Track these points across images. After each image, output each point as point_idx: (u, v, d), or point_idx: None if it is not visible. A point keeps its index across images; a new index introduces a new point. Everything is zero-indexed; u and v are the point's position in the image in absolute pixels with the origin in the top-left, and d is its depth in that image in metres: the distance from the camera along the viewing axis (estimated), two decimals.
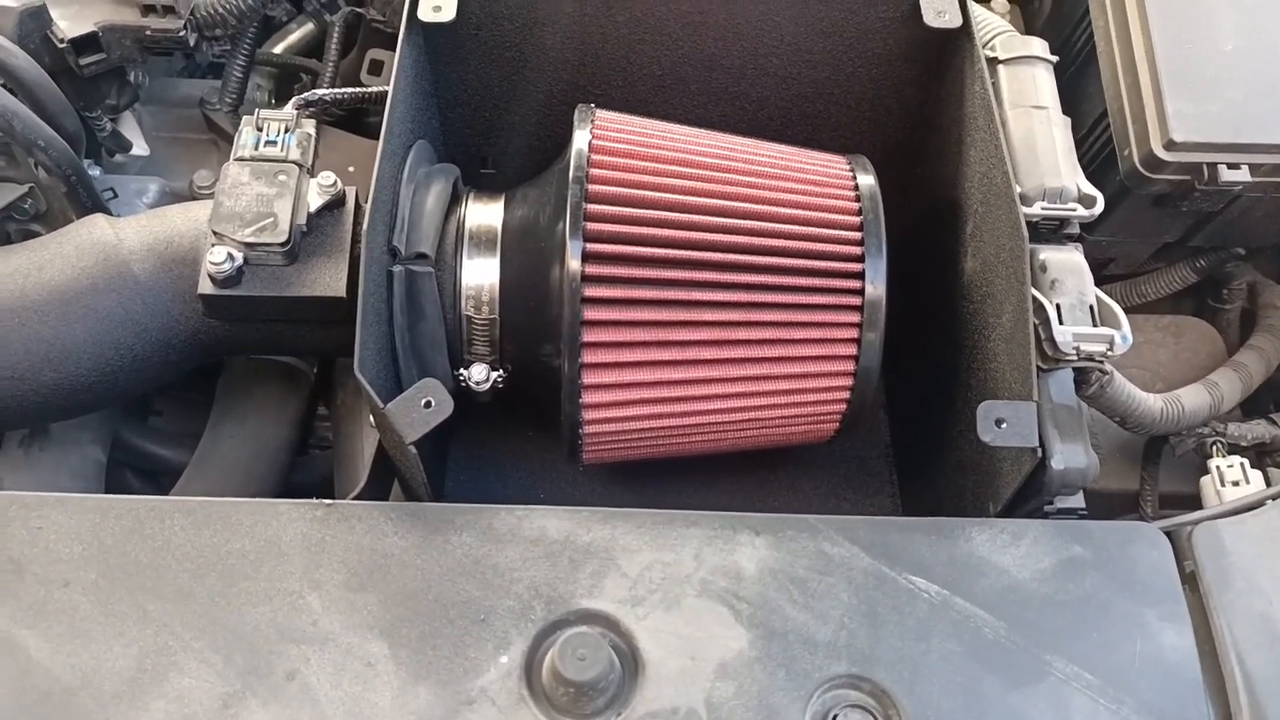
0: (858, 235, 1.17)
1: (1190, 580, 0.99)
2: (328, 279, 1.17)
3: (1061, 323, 1.09)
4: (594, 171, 1.14)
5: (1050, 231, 1.19)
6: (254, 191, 1.17)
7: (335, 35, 1.72)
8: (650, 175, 1.16)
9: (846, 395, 1.20)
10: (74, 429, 1.30)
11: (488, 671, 0.90)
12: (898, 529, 1.01)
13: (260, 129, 1.22)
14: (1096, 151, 1.39)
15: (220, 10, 1.41)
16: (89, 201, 1.34)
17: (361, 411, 1.30)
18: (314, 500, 0.99)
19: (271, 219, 1.15)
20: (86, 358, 1.17)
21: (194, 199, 1.45)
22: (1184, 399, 1.35)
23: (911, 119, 1.41)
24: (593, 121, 1.19)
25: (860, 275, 1.15)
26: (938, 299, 1.30)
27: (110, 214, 1.29)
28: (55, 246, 1.20)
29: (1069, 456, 1.05)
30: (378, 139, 1.12)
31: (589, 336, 1.12)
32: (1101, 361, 1.10)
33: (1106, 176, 1.34)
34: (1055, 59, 1.30)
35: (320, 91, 1.41)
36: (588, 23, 1.32)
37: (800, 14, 1.31)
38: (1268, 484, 1.27)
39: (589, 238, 1.11)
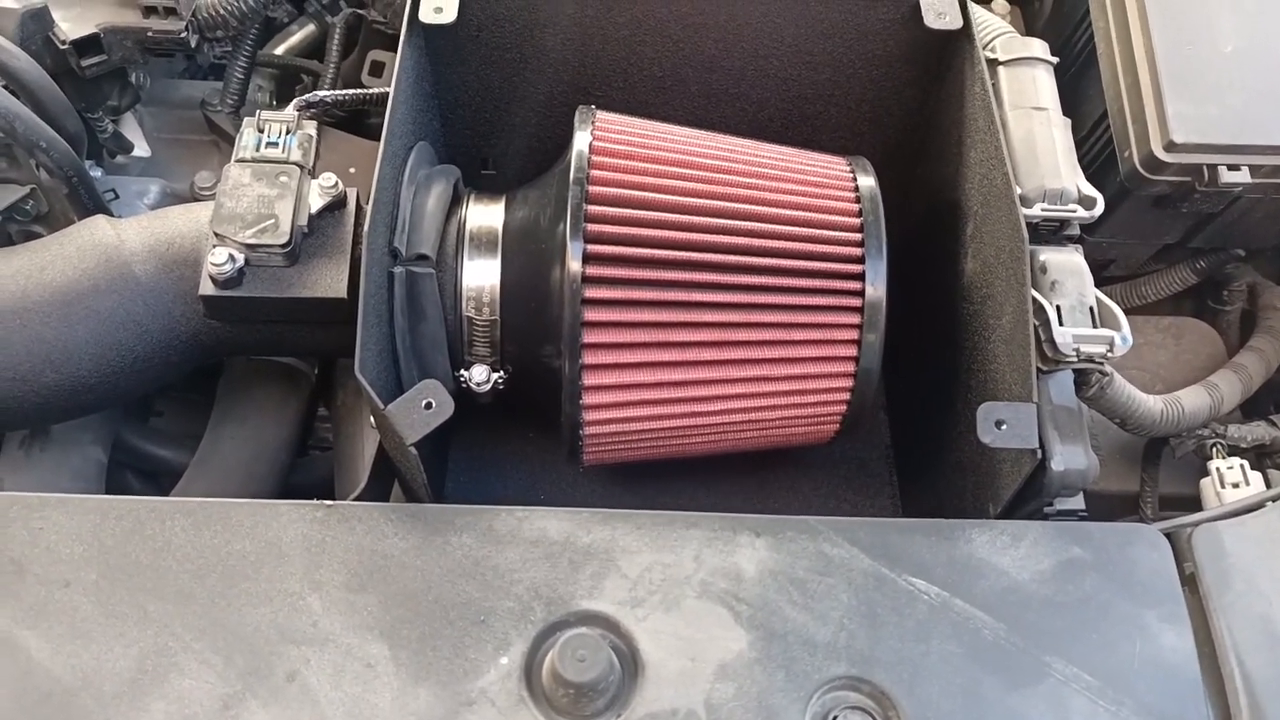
0: (858, 236, 1.17)
1: (1190, 582, 0.99)
2: (329, 280, 1.17)
3: (1061, 324, 1.09)
4: (594, 173, 1.14)
5: (1050, 233, 1.19)
6: (255, 193, 1.17)
7: (336, 37, 1.72)
8: (651, 177, 1.16)
9: (846, 396, 1.20)
10: (75, 430, 1.30)
11: (488, 673, 0.90)
12: (897, 530, 1.01)
13: (261, 130, 1.22)
14: (1097, 153, 1.39)
15: (222, 12, 1.41)
16: (90, 203, 1.34)
17: (362, 412, 1.30)
18: (314, 501, 0.99)
19: (273, 220, 1.15)
20: (88, 359, 1.17)
21: (195, 200, 1.45)
22: (1184, 400, 1.35)
23: (912, 120, 1.41)
24: (593, 123, 1.19)
25: (860, 276, 1.15)
26: (938, 300, 1.31)
27: (112, 215, 1.29)
28: (57, 248, 1.20)
29: (1069, 458, 1.05)
30: (379, 140, 1.12)
31: (589, 338, 1.12)
32: (1101, 363, 1.11)
33: (1107, 178, 1.34)
34: (1055, 60, 1.31)
35: (321, 93, 1.41)
36: (588, 24, 1.32)
37: (801, 16, 1.31)
38: (1268, 486, 1.27)
39: (589, 239, 1.11)
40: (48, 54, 1.34)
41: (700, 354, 1.16)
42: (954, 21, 1.27)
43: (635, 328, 1.13)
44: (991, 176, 1.18)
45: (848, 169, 1.24)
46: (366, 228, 1.08)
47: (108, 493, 1.33)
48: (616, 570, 0.95)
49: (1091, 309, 1.11)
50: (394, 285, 1.17)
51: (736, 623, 0.94)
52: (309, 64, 1.74)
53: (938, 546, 0.98)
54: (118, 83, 1.47)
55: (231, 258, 1.14)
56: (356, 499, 1.18)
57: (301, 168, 1.19)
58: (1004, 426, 1.01)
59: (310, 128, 1.24)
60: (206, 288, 1.15)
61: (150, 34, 1.38)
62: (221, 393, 1.38)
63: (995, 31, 1.35)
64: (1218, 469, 1.29)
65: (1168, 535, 1.01)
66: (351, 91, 1.45)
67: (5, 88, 1.25)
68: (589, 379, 1.14)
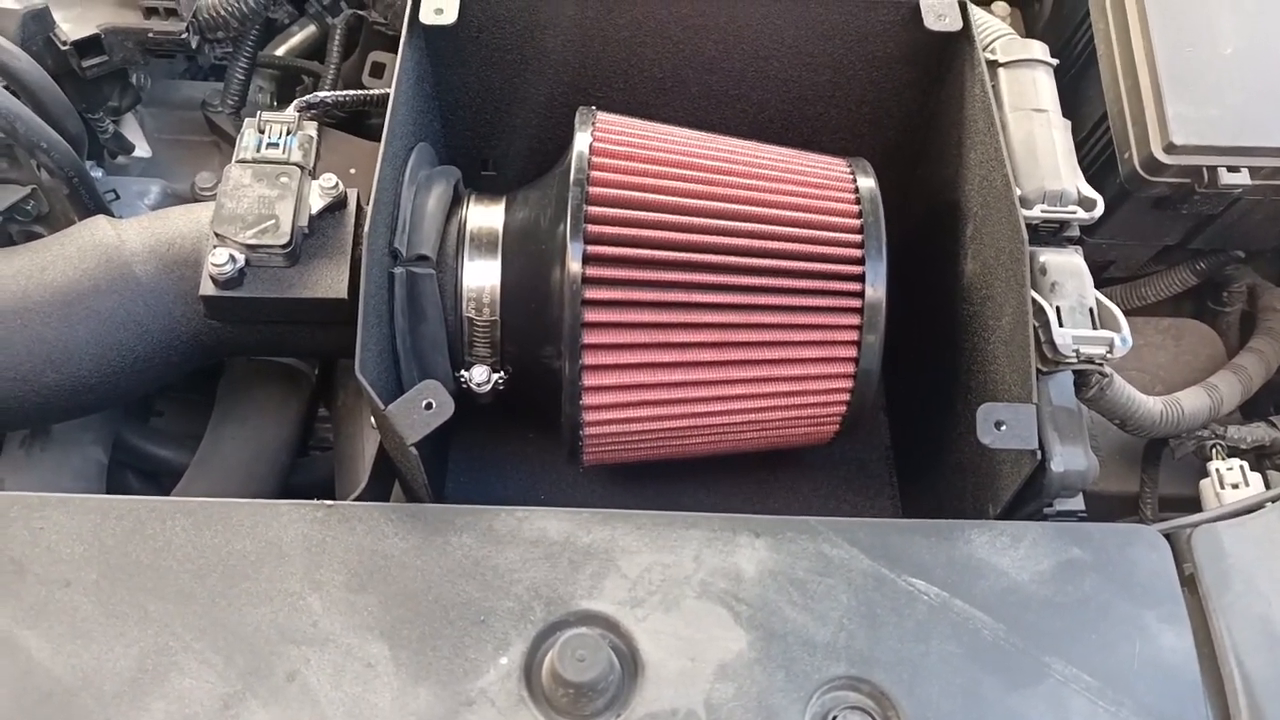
0: (858, 238, 1.17)
1: (1189, 582, 0.99)
2: (329, 281, 1.17)
3: (1061, 325, 1.09)
4: (595, 174, 1.14)
5: (1050, 234, 1.19)
6: (256, 193, 1.17)
7: (337, 38, 1.72)
8: (651, 178, 1.16)
9: (846, 397, 1.21)
10: (75, 430, 1.30)
11: (487, 672, 0.90)
12: (897, 531, 1.01)
13: (262, 131, 1.22)
14: (1097, 154, 1.39)
15: (222, 13, 1.41)
16: (91, 203, 1.34)
17: (362, 413, 1.30)
18: (315, 501, 0.99)
19: (273, 221, 1.15)
20: (88, 359, 1.17)
21: (196, 201, 1.45)
22: (1184, 402, 1.35)
23: (912, 122, 1.41)
24: (594, 124, 1.20)
25: (860, 278, 1.16)
26: (938, 301, 1.31)
27: (112, 215, 1.29)
28: (57, 248, 1.20)
29: (1068, 459, 1.05)
30: (379, 141, 1.12)
31: (589, 338, 1.12)
32: (1101, 364, 1.11)
33: (1106, 179, 1.34)
34: (1055, 62, 1.31)
35: (322, 94, 1.41)
36: (589, 26, 1.32)
37: (801, 17, 1.31)
38: (1267, 487, 1.27)
39: (590, 240, 1.11)
40: (49, 55, 1.34)
41: (700, 355, 1.16)
42: (954, 23, 1.27)
43: (635, 328, 1.14)
44: (991, 178, 1.18)
45: (848, 170, 1.24)
46: (367, 228, 1.08)
47: (108, 493, 1.33)
48: (616, 570, 0.96)
49: (1091, 310, 1.11)
50: (394, 286, 1.17)
51: (736, 623, 0.94)
52: (310, 65, 1.74)
53: (937, 547, 0.99)
54: (118, 83, 1.47)
55: (232, 258, 1.14)
56: (357, 499, 1.18)
57: (302, 168, 1.19)
58: (1004, 427, 1.01)
59: (311, 129, 1.24)
60: (207, 288, 1.15)
61: (151, 35, 1.38)
62: (222, 393, 1.38)
63: (995, 33, 1.36)
64: (1217, 470, 1.29)
65: (1167, 536, 1.01)
66: (352, 93, 1.45)
67: (6, 88, 1.26)
68: (589, 379, 1.14)
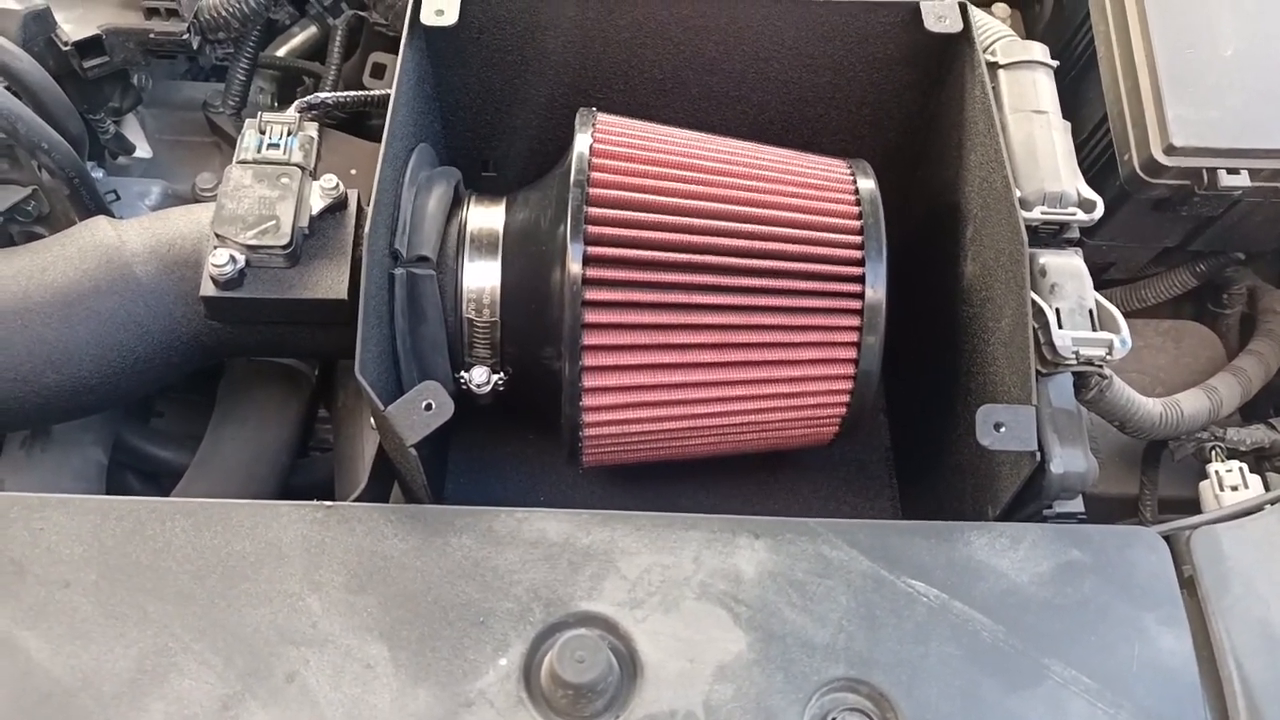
0: (858, 239, 1.17)
1: (1189, 585, 1.00)
2: (329, 281, 1.17)
3: (1061, 327, 1.09)
4: (595, 175, 1.14)
5: (1050, 236, 1.19)
6: (256, 194, 1.17)
7: (338, 39, 1.73)
8: (651, 179, 1.16)
9: (846, 399, 1.21)
10: (75, 430, 1.30)
11: (486, 674, 0.91)
12: (897, 532, 1.01)
13: (263, 132, 1.22)
14: (1097, 156, 1.39)
15: (223, 13, 1.42)
16: (92, 204, 1.34)
17: (362, 414, 1.30)
18: (314, 502, 0.99)
19: (273, 221, 1.15)
20: (89, 359, 1.17)
21: (196, 201, 1.45)
22: (1183, 404, 1.35)
23: (912, 123, 1.41)
24: (594, 125, 1.20)
25: (860, 279, 1.16)
26: (937, 303, 1.31)
27: (113, 216, 1.29)
28: (58, 249, 1.20)
29: (1068, 461, 1.05)
30: (380, 142, 1.12)
31: (589, 339, 1.12)
32: (1101, 366, 1.11)
33: (1106, 181, 1.34)
34: (1055, 64, 1.31)
35: (323, 95, 1.41)
36: (589, 27, 1.32)
37: (801, 19, 1.31)
38: (1266, 489, 1.27)
39: (590, 241, 1.11)
40: (50, 55, 1.34)
41: (700, 356, 1.16)
42: (954, 25, 1.27)
43: (635, 330, 1.14)
44: (991, 179, 1.18)
45: (848, 172, 1.24)
46: (367, 229, 1.08)
47: (108, 493, 1.33)
48: (616, 571, 0.96)
49: (1091, 312, 1.11)
50: (394, 287, 1.17)
51: (735, 624, 0.94)
52: (310, 66, 1.74)
53: (937, 549, 0.99)
54: (119, 84, 1.47)
55: (232, 259, 1.14)
56: (356, 500, 1.18)
57: (303, 169, 1.20)
58: (1003, 429, 1.01)
59: (311, 129, 1.24)
60: (207, 289, 1.15)
61: (152, 35, 1.38)
62: (222, 394, 1.38)
63: (995, 35, 1.35)
64: (1216, 472, 1.29)
65: (1166, 538, 1.01)
66: (353, 93, 1.45)
67: (8, 89, 1.26)
68: (589, 381, 1.14)
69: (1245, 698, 0.93)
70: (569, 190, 1.12)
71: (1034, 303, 1.08)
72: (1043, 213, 1.17)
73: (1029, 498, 1.08)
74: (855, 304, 1.16)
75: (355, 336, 1.02)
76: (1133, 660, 0.94)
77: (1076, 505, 1.10)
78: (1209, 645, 0.96)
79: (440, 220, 1.21)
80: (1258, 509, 1.07)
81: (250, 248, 1.15)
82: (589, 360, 1.13)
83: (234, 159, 1.20)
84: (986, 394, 1.16)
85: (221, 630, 0.92)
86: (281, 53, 1.76)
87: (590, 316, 1.11)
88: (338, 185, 1.20)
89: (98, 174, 1.46)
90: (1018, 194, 1.14)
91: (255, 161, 1.19)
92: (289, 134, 1.22)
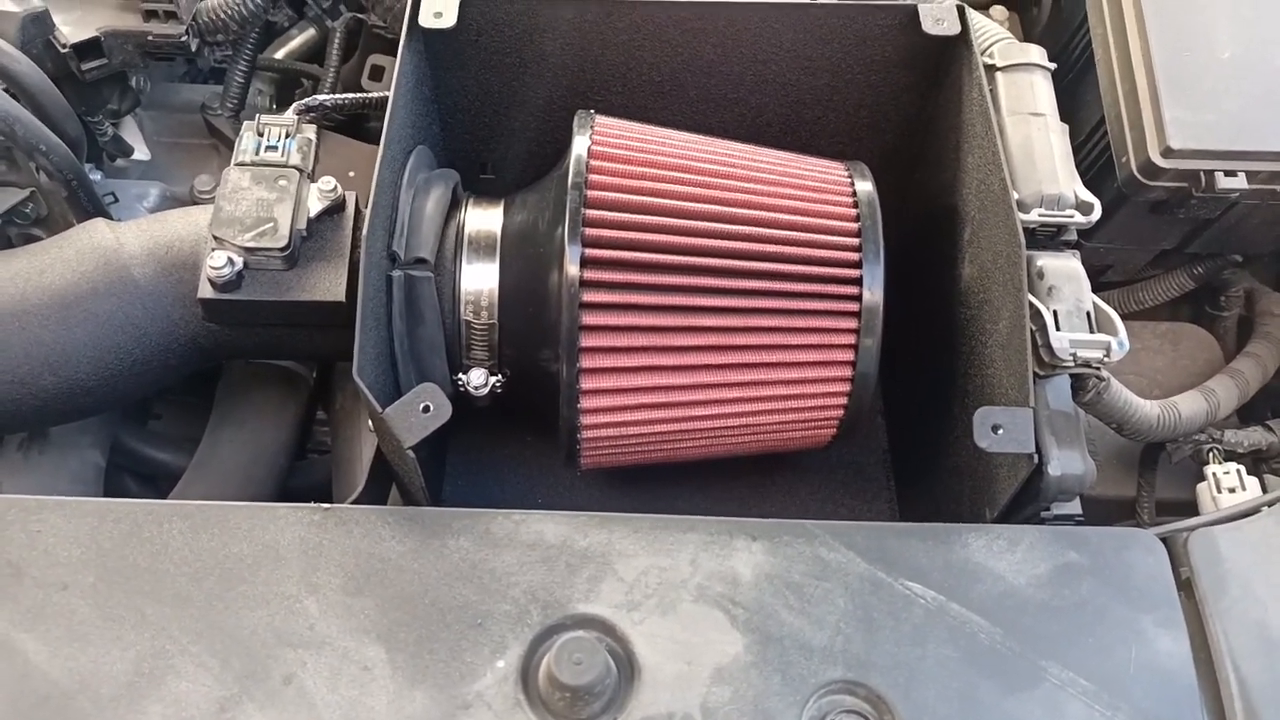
0: (856, 241, 1.17)
1: (1186, 587, 1.00)
2: (327, 284, 1.17)
3: (1058, 329, 1.09)
4: (593, 177, 1.14)
5: (1048, 238, 1.19)
6: (254, 196, 1.17)
7: (336, 41, 1.73)
8: (649, 181, 1.16)
9: (844, 401, 1.21)
10: (73, 433, 1.30)
11: (484, 676, 0.90)
12: (894, 534, 1.01)
13: (261, 134, 1.22)
14: (1094, 158, 1.39)
15: (222, 16, 1.42)
16: (90, 206, 1.34)
17: (360, 416, 1.30)
18: (312, 504, 0.99)
19: (271, 224, 1.15)
20: (86, 362, 1.17)
21: (194, 204, 1.45)
22: (1181, 406, 1.35)
23: (910, 126, 1.41)
24: (592, 127, 1.20)
25: (858, 281, 1.16)
26: (935, 305, 1.31)
27: (111, 218, 1.29)
28: (56, 251, 1.20)
29: (1065, 463, 1.05)
30: (378, 144, 1.12)
31: (587, 341, 1.12)
32: (1098, 368, 1.11)
33: (1104, 183, 1.34)
34: (1053, 66, 1.31)
35: (321, 97, 1.42)
36: (587, 29, 1.32)
37: (799, 21, 1.31)
38: (1264, 491, 1.28)
39: (588, 243, 1.11)
40: (48, 58, 1.34)
41: (698, 358, 1.16)
42: (952, 28, 1.27)
43: (633, 332, 1.14)
44: (989, 182, 1.18)
45: (845, 174, 1.24)
46: (365, 231, 1.08)
47: (106, 496, 1.33)
48: (613, 574, 0.96)
49: (1088, 314, 1.11)
50: (392, 289, 1.17)
51: (733, 626, 0.94)
52: (309, 68, 1.74)
53: (934, 551, 0.99)
54: (118, 86, 1.47)
55: (230, 261, 1.14)
56: (354, 502, 1.18)
57: (301, 171, 1.19)
58: (1001, 431, 1.01)
59: (310, 131, 1.24)
60: (205, 291, 1.15)
61: (151, 38, 1.38)
62: (220, 396, 1.38)
63: (993, 38, 1.36)
64: (1214, 474, 1.29)
65: (1164, 540, 1.01)
66: (351, 95, 1.45)
67: (6, 91, 1.26)
68: (586, 383, 1.14)
69: (1242, 699, 0.93)
70: (567, 192, 1.12)
71: (1031, 305, 1.08)
72: (1040, 215, 1.17)
73: (1026, 500, 1.08)
74: (853, 306, 1.16)
75: (353, 339, 1.02)
76: (1130, 662, 0.94)
77: (1074, 507, 1.10)
78: (1206, 647, 0.96)
79: (438, 222, 1.22)
80: (1255, 511, 1.07)
81: (248, 250, 1.15)
82: (586, 362, 1.13)
83: (232, 161, 1.20)
84: (984, 396, 1.16)
85: (219, 632, 0.92)
86: (280, 55, 1.76)
87: (588, 319, 1.12)
88: (336, 187, 1.20)
89: (96, 176, 1.46)
90: (1015, 196, 1.14)
91: (253, 164, 1.19)
92: (287, 136, 1.22)
